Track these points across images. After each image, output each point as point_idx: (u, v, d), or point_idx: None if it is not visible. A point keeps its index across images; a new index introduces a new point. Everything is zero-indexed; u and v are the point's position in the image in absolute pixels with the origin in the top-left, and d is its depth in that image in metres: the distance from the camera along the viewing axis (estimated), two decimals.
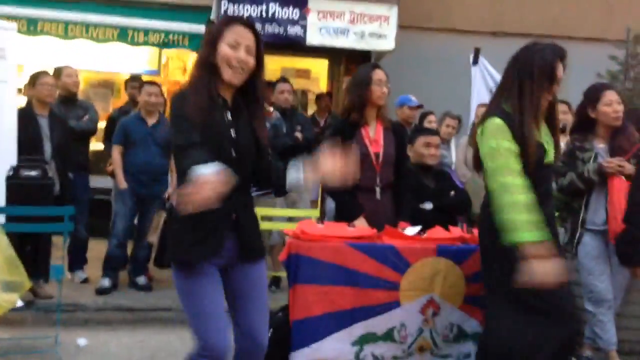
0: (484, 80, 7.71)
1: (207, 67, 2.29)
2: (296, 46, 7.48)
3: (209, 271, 2.31)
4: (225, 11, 7.13)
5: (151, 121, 5.49)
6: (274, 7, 7.19)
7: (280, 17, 7.21)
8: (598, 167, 3.74)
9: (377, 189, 3.63)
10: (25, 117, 4.88)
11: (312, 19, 7.23)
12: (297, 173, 2.39)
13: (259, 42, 2.35)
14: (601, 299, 3.77)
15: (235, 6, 7.17)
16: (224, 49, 2.28)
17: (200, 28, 7.11)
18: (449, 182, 4.23)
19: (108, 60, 7.95)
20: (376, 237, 3.27)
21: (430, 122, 6.33)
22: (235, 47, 2.27)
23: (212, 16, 7.17)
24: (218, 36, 2.30)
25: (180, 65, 8.90)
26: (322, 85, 8.76)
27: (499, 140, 2.58)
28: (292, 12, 7.21)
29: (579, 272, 3.86)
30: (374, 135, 3.67)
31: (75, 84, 5.76)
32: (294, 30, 7.24)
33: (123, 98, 7.03)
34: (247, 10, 7.15)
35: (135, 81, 6.37)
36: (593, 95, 3.88)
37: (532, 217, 2.43)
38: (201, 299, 2.27)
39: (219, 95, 2.33)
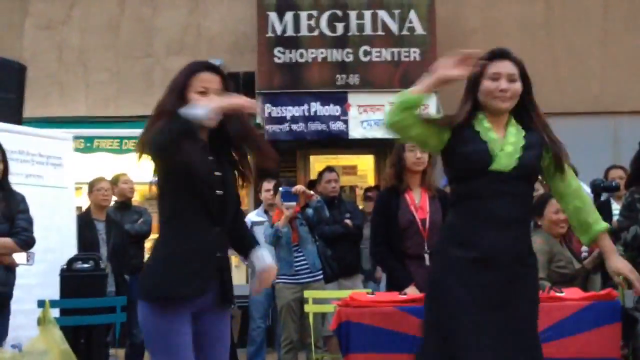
0: None
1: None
2: (341, 142, 7.67)
3: (186, 313, 2.25)
4: (269, 114, 7.45)
5: None
6: (315, 106, 7.48)
7: (322, 114, 7.47)
8: None
9: (426, 256, 3.55)
10: (84, 222, 5.20)
11: (353, 113, 7.46)
12: (264, 261, 2.48)
13: (226, 83, 2.39)
14: None
15: (278, 108, 7.50)
16: (193, 97, 2.29)
17: None
18: None
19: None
20: None
21: None
22: (204, 94, 2.30)
23: (258, 120, 7.48)
24: (184, 87, 2.32)
25: None
26: (370, 181, 8.83)
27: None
28: (334, 109, 7.48)
29: None
30: (419, 202, 3.64)
31: (131, 189, 6.02)
32: (337, 125, 7.47)
33: None
34: (289, 111, 7.46)
35: None
36: None
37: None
38: (177, 344, 2.20)
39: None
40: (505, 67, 2.48)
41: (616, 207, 5.08)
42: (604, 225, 2.48)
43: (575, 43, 8.60)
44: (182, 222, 2.28)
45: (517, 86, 2.49)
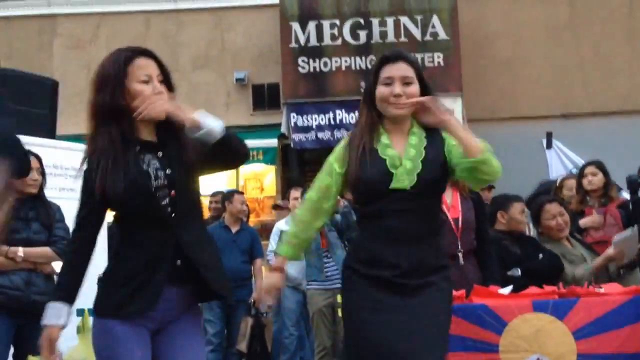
0: (561, 162, 7.58)
1: (110, 114, 2.05)
2: None
3: (139, 331, 2.08)
4: (295, 123, 7.49)
5: (235, 228, 5.67)
6: (340, 114, 7.51)
7: (347, 122, 7.49)
8: None
9: (460, 255, 3.52)
10: (114, 232, 5.20)
11: None
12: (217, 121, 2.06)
13: (163, 67, 2.12)
14: None
15: (304, 117, 7.54)
16: (137, 87, 2.05)
17: (273, 142, 7.46)
18: (535, 246, 4.04)
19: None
20: (465, 298, 3.12)
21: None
22: (148, 82, 2.06)
23: (283, 129, 7.53)
24: (122, 76, 2.04)
25: (257, 185, 9.26)
26: None
27: (329, 157, 2.35)
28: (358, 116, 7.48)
29: None
30: (451, 201, 3.62)
31: None
32: None
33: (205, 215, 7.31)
34: (314, 119, 7.50)
35: (215, 196, 6.66)
36: None
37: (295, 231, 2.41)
38: None
39: (134, 140, 2.10)
40: (398, 69, 2.26)
41: None
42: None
43: (601, 43, 8.53)
44: (128, 231, 2.11)
45: (413, 89, 2.26)
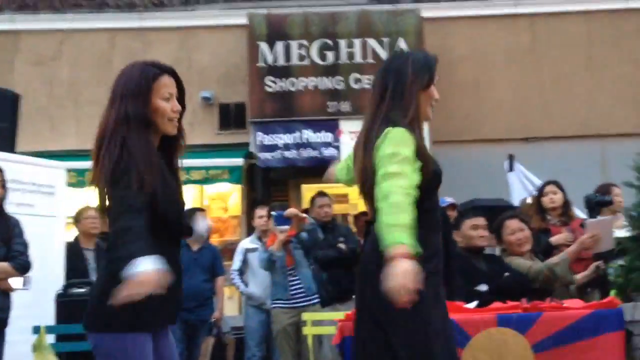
0: (522, 185, 7.70)
1: (144, 123, 2.15)
2: None
3: (149, 340, 2.11)
4: (262, 142, 7.47)
5: (196, 246, 5.58)
6: (307, 133, 7.52)
7: (314, 141, 7.51)
8: None
9: None
10: (73, 251, 5.09)
11: (345, 139, 7.51)
12: (203, 222, 2.35)
13: (181, 86, 2.28)
14: None
15: (270, 136, 7.53)
16: (160, 104, 2.18)
17: (239, 161, 7.41)
18: (501, 265, 4.08)
19: None
20: None
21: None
22: (169, 99, 2.21)
23: (251, 148, 7.51)
24: (149, 92, 2.16)
25: (222, 205, 9.16)
26: (361, 209, 8.82)
27: (400, 148, 2.23)
28: (325, 136, 7.53)
29: None
30: None
31: None
32: (329, 152, 7.51)
33: None
34: (281, 139, 7.50)
35: None
36: None
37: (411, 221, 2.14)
38: None
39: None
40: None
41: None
42: None
43: (562, 69, 8.77)
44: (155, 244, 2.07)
45: None
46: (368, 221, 2.56)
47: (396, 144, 2.24)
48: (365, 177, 2.33)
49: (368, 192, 2.33)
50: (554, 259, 3.95)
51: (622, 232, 4.85)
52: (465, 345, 2.97)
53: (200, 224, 2.36)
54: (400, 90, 2.37)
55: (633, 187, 4.35)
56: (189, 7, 8.79)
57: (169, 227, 2.13)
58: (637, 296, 3.88)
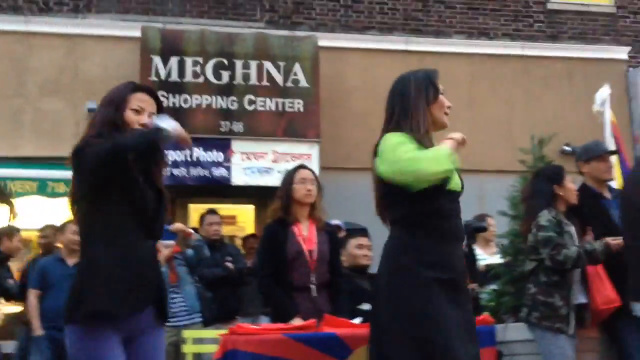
0: None
1: (113, 126, 2.36)
2: (222, 190, 7.56)
3: (116, 338, 2.13)
4: None
5: (72, 261, 5.26)
6: (197, 152, 7.38)
7: (204, 160, 7.38)
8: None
9: (313, 287, 3.54)
10: None
11: (235, 160, 7.44)
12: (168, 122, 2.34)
13: (160, 106, 2.51)
14: None
15: None
16: (129, 115, 2.39)
17: None
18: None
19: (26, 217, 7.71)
20: (316, 327, 3.12)
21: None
22: (139, 112, 2.40)
23: None
24: (122, 103, 2.40)
25: None
26: (250, 231, 8.76)
27: (402, 145, 2.43)
28: (216, 155, 7.42)
29: None
30: (306, 233, 3.64)
31: None
32: (219, 172, 7.40)
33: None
34: (171, 155, 7.28)
35: (46, 230, 6.18)
36: None
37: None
38: None
39: None
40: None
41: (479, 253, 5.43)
42: None
43: None
44: (116, 234, 2.22)
45: None
46: None
47: (392, 141, 2.44)
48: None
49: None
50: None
51: (494, 259, 5.15)
52: (346, 357, 2.99)
53: (166, 121, 2.32)
54: (405, 109, 2.53)
55: (506, 215, 4.65)
56: (79, 14, 8.44)
57: (143, 220, 2.27)
58: (508, 318, 4.11)
